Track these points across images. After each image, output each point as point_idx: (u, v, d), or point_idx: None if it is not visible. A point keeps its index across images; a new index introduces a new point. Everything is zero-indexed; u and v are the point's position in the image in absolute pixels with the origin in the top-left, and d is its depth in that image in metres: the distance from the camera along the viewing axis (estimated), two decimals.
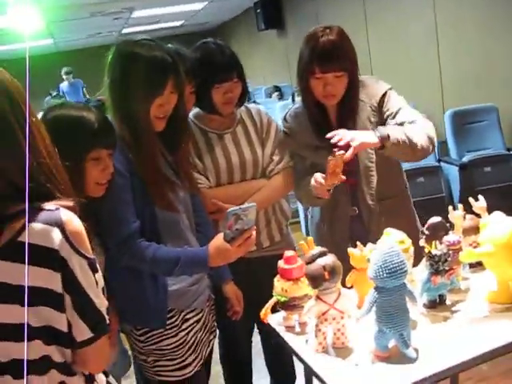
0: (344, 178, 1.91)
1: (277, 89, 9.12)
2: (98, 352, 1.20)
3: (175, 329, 1.86)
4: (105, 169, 1.63)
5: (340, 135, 1.90)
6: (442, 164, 4.78)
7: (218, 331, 2.19)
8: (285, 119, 2.33)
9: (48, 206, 1.11)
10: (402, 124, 2.07)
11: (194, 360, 1.90)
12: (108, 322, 1.19)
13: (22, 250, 1.07)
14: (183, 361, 1.88)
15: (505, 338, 1.34)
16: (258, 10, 9.51)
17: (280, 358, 2.64)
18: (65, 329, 1.13)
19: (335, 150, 1.85)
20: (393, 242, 1.32)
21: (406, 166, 4.11)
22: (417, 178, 4.34)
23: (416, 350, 1.30)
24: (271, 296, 1.68)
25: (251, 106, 2.42)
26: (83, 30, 10.50)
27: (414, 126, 2.03)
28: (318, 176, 1.98)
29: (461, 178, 4.52)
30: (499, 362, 2.63)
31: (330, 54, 2.04)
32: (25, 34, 6.71)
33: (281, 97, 8.91)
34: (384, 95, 2.15)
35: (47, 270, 1.09)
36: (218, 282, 2.09)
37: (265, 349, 2.66)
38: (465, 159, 4.60)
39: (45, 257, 1.09)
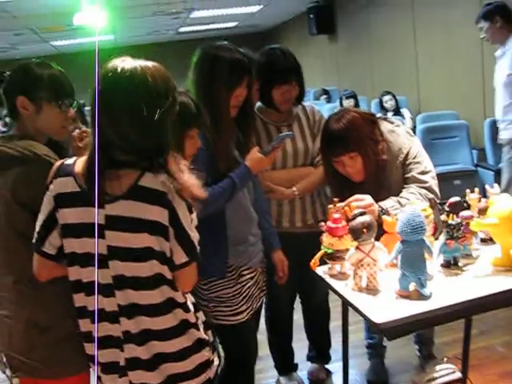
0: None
1: (325, 92, 9.39)
2: (190, 274, 1.59)
3: (233, 281, 2.24)
4: (195, 144, 2.02)
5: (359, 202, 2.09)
6: (479, 169, 5.07)
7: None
8: None
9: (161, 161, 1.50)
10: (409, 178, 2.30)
11: (246, 309, 2.29)
12: (198, 251, 1.56)
13: (141, 191, 1.47)
14: (237, 308, 2.26)
15: (501, 288, 1.72)
16: (311, 16, 9.86)
17: (318, 324, 3.04)
18: (168, 254, 1.52)
19: (336, 199, 2.06)
20: (415, 207, 1.71)
21: (442, 168, 4.45)
22: (454, 181, 4.66)
23: (430, 292, 1.68)
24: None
25: (306, 104, 2.82)
26: (143, 27, 11.07)
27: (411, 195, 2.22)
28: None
29: (496, 182, 4.81)
30: None
31: (335, 141, 2.27)
32: (94, 30, 7.27)
33: (328, 100, 9.21)
34: (407, 154, 2.33)
35: (159, 207, 1.47)
36: (268, 250, 2.46)
37: (305, 316, 3.05)
38: (501, 165, 4.90)
39: (157, 197, 1.47)
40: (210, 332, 1.72)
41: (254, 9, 10.07)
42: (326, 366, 3.09)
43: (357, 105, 6.99)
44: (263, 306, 2.66)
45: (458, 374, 2.42)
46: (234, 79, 2.18)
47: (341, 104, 7.03)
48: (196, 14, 9.78)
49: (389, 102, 6.81)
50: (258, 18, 11.42)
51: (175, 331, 1.56)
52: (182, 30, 11.90)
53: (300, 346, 3.11)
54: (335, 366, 3.01)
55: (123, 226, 1.48)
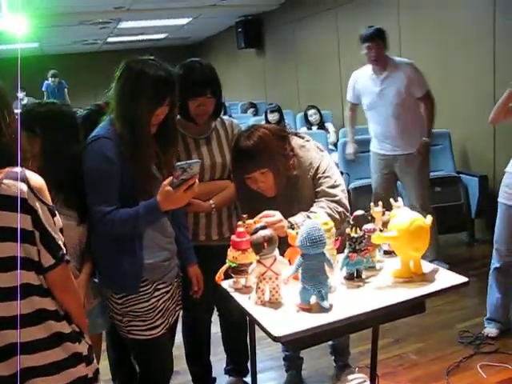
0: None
1: (252, 105, 9.44)
2: (61, 277, 1.55)
3: (148, 295, 2.22)
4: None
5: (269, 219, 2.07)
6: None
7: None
8: None
9: (16, 168, 1.49)
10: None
11: (161, 323, 2.27)
12: (64, 252, 1.55)
13: (1, 200, 1.44)
14: (152, 323, 2.24)
15: (399, 299, 1.78)
16: (240, 30, 9.98)
17: (236, 337, 3.04)
18: (36, 258, 1.50)
19: (244, 216, 2.06)
20: (316, 221, 1.74)
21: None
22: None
23: (330, 305, 1.72)
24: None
25: (225, 118, 2.83)
26: (70, 36, 10.83)
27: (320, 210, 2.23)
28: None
29: None
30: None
31: (246, 158, 2.27)
32: (15, 37, 7.06)
33: (256, 113, 9.27)
34: (317, 168, 2.36)
35: (21, 214, 1.45)
36: (184, 264, 2.46)
37: (223, 329, 3.05)
38: None
39: (18, 204, 1.45)
40: (88, 347, 1.66)
41: (183, 21, 10.06)
42: (244, 379, 3.08)
43: (281, 118, 7.08)
44: (180, 320, 2.64)
45: (368, 383, 2.48)
46: (157, 98, 2.12)
47: (266, 117, 7.11)
48: (124, 25, 9.68)
49: (314, 115, 6.95)
50: (187, 31, 11.42)
51: (46, 343, 1.51)
52: (111, 40, 11.74)
53: (218, 359, 3.11)
54: None
55: None
